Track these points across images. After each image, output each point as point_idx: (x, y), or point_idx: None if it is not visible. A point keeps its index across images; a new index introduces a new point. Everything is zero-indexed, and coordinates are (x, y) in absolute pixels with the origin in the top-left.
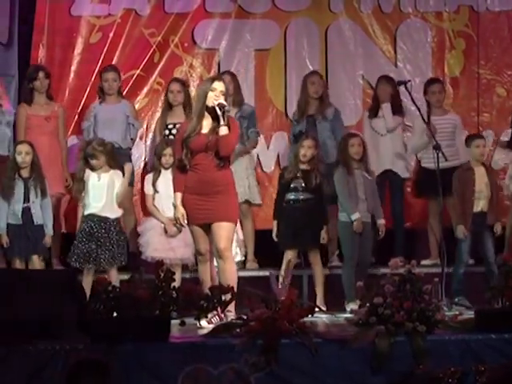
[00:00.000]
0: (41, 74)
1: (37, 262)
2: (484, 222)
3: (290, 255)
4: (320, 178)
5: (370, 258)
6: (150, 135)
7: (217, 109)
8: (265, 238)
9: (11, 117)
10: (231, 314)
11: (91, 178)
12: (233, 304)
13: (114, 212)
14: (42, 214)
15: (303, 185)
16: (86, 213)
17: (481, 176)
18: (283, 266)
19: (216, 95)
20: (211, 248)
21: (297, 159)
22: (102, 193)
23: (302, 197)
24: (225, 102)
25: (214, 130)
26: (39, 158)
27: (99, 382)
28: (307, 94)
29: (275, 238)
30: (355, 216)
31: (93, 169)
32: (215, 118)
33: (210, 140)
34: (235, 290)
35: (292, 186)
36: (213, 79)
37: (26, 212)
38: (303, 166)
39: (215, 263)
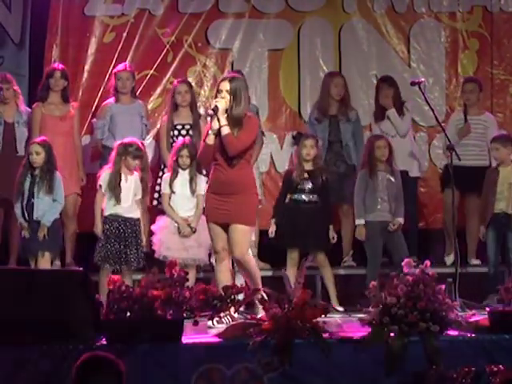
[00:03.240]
0: (56, 74)
1: (45, 260)
2: (507, 223)
3: (293, 254)
4: (326, 176)
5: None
6: None
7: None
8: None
9: (26, 116)
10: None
11: None
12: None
13: (137, 213)
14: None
15: (310, 186)
16: (109, 213)
17: (505, 177)
18: (288, 266)
19: (221, 96)
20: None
21: (300, 159)
22: (129, 194)
23: (308, 198)
24: (218, 104)
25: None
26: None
27: (108, 380)
28: (329, 95)
29: (271, 235)
30: (359, 221)
31: (129, 168)
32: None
33: (217, 139)
34: (255, 289)
35: (299, 187)
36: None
37: (30, 209)
38: (308, 166)
39: None
